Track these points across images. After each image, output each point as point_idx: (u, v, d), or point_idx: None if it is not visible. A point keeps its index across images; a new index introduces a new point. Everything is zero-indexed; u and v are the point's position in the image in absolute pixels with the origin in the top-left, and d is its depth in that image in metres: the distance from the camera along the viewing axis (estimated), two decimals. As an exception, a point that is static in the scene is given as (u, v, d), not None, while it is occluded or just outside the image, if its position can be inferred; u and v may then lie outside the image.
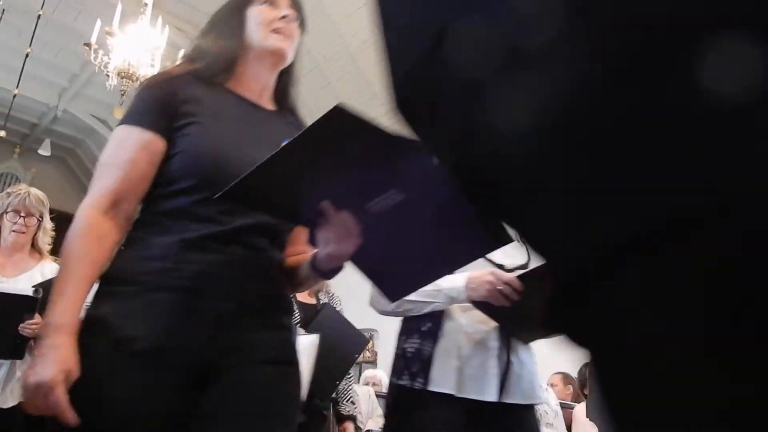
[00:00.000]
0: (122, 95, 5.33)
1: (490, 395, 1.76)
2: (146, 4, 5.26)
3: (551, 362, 3.98)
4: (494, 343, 1.82)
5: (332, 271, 1.22)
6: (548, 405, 3.86)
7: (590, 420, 3.85)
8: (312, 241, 1.16)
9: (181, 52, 5.86)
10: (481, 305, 1.73)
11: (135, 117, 1.23)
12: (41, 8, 6.94)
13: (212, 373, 1.13)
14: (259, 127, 1.30)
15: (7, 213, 2.77)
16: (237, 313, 1.17)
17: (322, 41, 7.44)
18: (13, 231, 2.74)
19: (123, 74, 5.17)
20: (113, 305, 1.13)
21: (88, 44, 5.31)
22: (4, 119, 9.07)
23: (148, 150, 1.20)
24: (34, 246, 2.84)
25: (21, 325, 2.48)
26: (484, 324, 1.82)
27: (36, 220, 2.81)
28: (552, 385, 4.66)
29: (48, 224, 2.88)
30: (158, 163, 1.22)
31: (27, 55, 7.42)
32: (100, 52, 5.30)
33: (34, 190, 2.84)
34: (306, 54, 7.74)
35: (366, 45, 7.19)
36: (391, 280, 1.20)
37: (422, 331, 1.85)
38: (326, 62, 7.60)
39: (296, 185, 1.03)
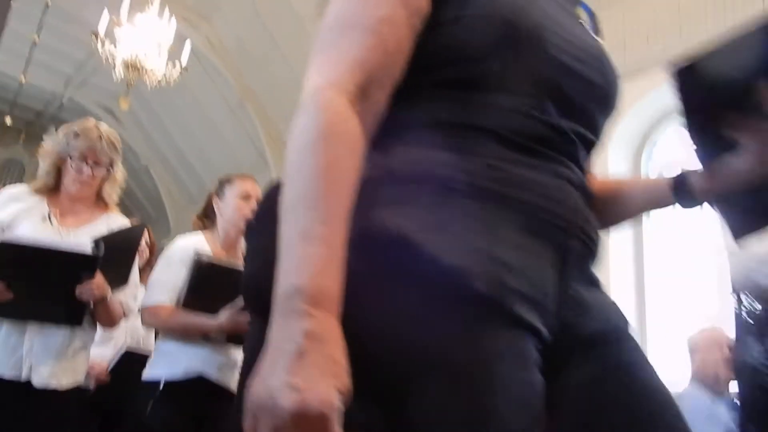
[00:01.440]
0: (128, 87, 5.32)
1: None
2: (153, -6, 5.24)
3: None
4: None
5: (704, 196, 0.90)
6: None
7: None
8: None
9: (188, 43, 5.85)
10: None
11: None
12: (48, -5, 6.93)
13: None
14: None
15: (72, 158, 2.21)
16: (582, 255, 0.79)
17: None
18: (78, 181, 2.22)
19: (130, 66, 5.16)
20: (429, 221, 0.70)
21: (95, 33, 5.30)
22: (10, 106, 9.07)
23: (409, 8, 0.77)
24: (99, 196, 2.32)
25: (79, 287, 2.04)
26: None
27: (105, 170, 2.27)
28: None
29: (119, 174, 2.33)
30: (418, 32, 0.79)
31: (34, 43, 7.42)
32: (107, 41, 5.28)
33: (106, 129, 2.30)
34: None
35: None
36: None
37: None
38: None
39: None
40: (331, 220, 0.65)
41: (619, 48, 5.08)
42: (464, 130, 0.76)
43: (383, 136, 0.76)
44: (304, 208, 0.65)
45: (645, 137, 5.18)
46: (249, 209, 2.35)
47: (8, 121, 8.96)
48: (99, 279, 2.07)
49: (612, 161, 4.96)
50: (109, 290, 2.14)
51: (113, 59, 5.27)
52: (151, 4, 5.25)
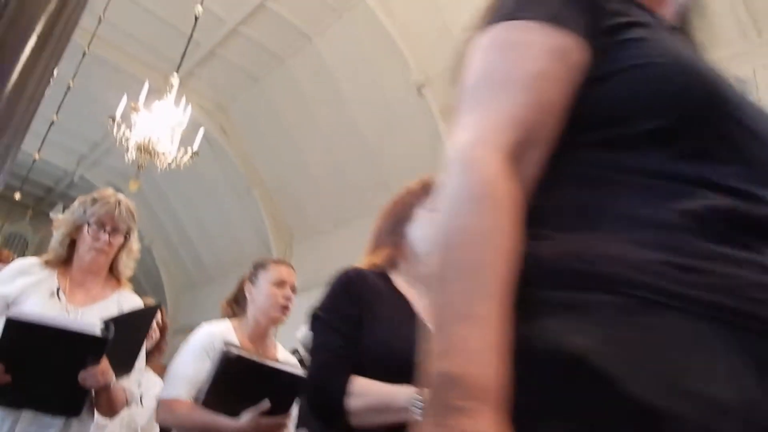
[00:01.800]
0: (139, 169, 5.43)
1: None
2: (172, 84, 5.45)
3: None
4: None
5: None
6: None
7: None
8: None
9: (201, 130, 6.03)
10: None
11: (540, 8, 0.70)
12: (72, 79, 7.23)
13: None
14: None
15: (89, 224, 2.13)
16: None
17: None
18: (94, 249, 2.11)
19: (142, 149, 5.30)
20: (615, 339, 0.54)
21: (112, 117, 5.47)
22: (21, 182, 9.25)
23: (567, 62, 0.68)
24: (113, 269, 2.21)
25: (82, 372, 1.86)
26: None
27: (122, 238, 2.18)
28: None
29: (135, 244, 2.24)
30: (575, 86, 0.69)
31: (52, 122, 7.66)
32: (123, 125, 5.45)
33: (123, 197, 2.23)
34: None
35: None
36: None
37: None
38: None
39: None
40: (490, 295, 0.54)
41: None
42: (651, 214, 0.60)
43: (538, 212, 0.64)
44: (457, 280, 0.55)
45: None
46: (283, 297, 2.23)
47: (17, 196, 9.09)
48: (105, 364, 1.89)
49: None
50: (114, 376, 1.94)
51: (127, 142, 5.41)
52: (169, 92, 5.45)
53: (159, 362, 3.17)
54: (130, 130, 5.42)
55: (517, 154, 0.63)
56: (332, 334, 1.33)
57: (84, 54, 6.78)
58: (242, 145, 8.73)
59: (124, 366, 2.03)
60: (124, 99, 5.58)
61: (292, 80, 7.65)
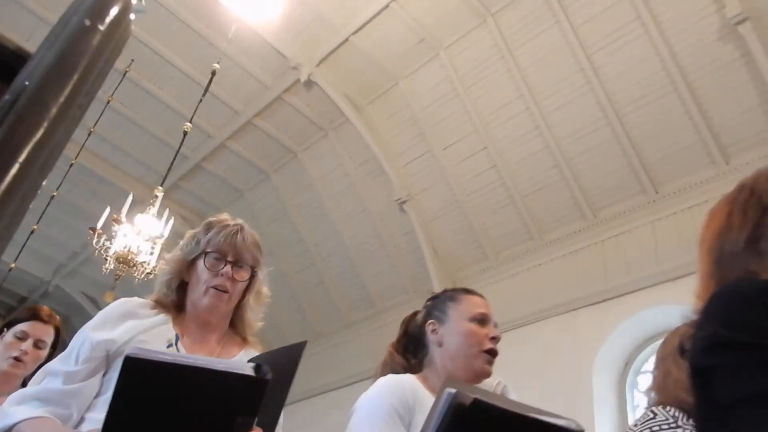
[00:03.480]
0: (116, 279, 5.36)
1: None
2: (157, 196, 5.50)
3: None
4: None
5: None
6: None
7: None
8: None
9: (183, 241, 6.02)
10: None
11: None
12: (57, 189, 7.28)
13: None
14: None
15: (205, 255, 1.59)
16: None
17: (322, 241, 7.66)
18: (213, 288, 1.56)
19: (121, 260, 5.25)
20: None
21: (93, 228, 5.46)
22: (-6, 290, 9.04)
23: None
24: (237, 320, 1.67)
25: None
26: None
27: (248, 274, 1.64)
28: None
29: (264, 288, 1.72)
30: None
31: (32, 231, 7.61)
32: (103, 236, 5.44)
33: (247, 226, 1.69)
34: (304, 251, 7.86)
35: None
36: None
37: None
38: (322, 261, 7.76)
39: None
40: None
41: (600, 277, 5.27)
42: None
43: None
44: None
45: (628, 363, 5.15)
46: (488, 338, 1.71)
47: (-12, 305, 8.85)
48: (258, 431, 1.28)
49: (596, 389, 4.88)
50: None
51: (106, 252, 5.38)
52: (152, 205, 5.49)
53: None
54: (111, 242, 5.40)
55: None
56: None
57: (71, 165, 6.87)
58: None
59: (268, 426, 1.41)
60: (107, 211, 5.60)
61: (276, 194, 7.77)
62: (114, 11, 0.69)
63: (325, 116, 6.90)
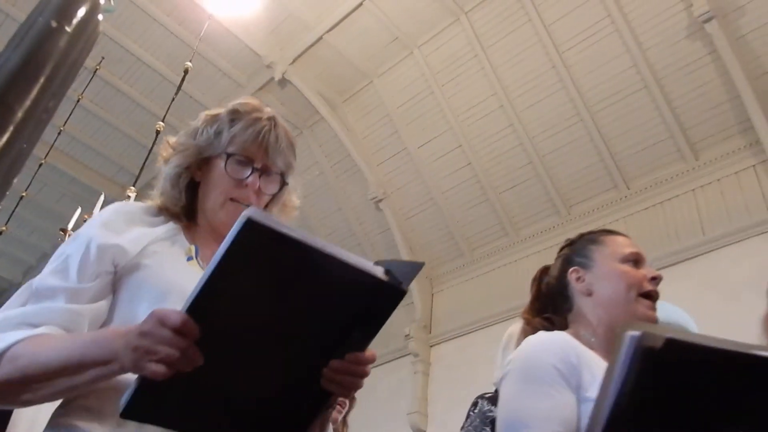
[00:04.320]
0: (88, 282, 5.27)
1: None
2: (129, 196, 5.42)
3: None
4: None
5: None
6: None
7: None
8: None
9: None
10: None
11: None
12: (26, 190, 7.13)
13: None
14: None
15: (229, 157, 1.24)
16: None
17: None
18: (233, 200, 1.26)
19: (93, 261, 5.16)
20: None
21: (63, 229, 5.36)
22: (-39, 294, 8.84)
23: None
24: None
25: (335, 364, 0.94)
26: None
27: (278, 185, 1.31)
28: None
29: (294, 197, 1.44)
30: None
31: (0, 233, 7.46)
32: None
33: (280, 119, 1.31)
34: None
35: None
36: None
37: None
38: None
39: None
40: None
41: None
42: None
43: None
44: None
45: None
46: (648, 279, 1.48)
47: (-44, 308, 8.65)
48: (372, 353, 0.96)
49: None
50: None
51: (78, 254, 5.28)
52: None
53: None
54: (82, 243, 5.30)
55: None
56: None
57: (40, 165, 6.74)
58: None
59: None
60: (78, 211, 5.50)
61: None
62: (81, 12, 0.68)
63: (300, 115, 6.87)
